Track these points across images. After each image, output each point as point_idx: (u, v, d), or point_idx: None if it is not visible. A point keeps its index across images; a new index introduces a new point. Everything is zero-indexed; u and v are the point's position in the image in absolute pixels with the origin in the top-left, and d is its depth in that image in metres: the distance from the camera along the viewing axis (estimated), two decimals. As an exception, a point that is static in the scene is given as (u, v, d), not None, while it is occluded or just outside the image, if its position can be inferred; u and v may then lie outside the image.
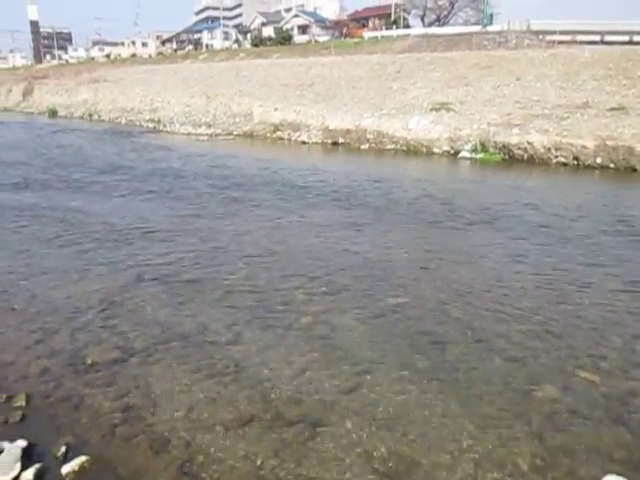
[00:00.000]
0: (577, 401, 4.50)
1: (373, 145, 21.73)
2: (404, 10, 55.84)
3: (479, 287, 6.96)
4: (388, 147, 21.23)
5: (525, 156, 17.55)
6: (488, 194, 12.88)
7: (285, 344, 5.40)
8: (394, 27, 50.88)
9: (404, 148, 20.82)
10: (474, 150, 18.73)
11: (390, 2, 56.13)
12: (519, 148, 17.71)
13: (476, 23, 46.46)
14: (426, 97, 23.39)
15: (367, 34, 47.84)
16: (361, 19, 62.33)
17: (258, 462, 3.78)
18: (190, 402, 4.45)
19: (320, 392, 4.61)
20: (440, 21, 54.73)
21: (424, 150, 20.10)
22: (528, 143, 17.51)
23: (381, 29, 51.95)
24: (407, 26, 52.86)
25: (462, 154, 18.75)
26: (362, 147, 21.74)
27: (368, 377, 4.83)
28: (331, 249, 8.54)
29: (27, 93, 53.68)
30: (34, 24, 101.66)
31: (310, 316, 6.02)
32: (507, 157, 17.96)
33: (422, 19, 56.36)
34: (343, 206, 11.45)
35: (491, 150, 18.40)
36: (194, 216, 10.56)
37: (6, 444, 3.80)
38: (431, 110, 21.93)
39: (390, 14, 55.64)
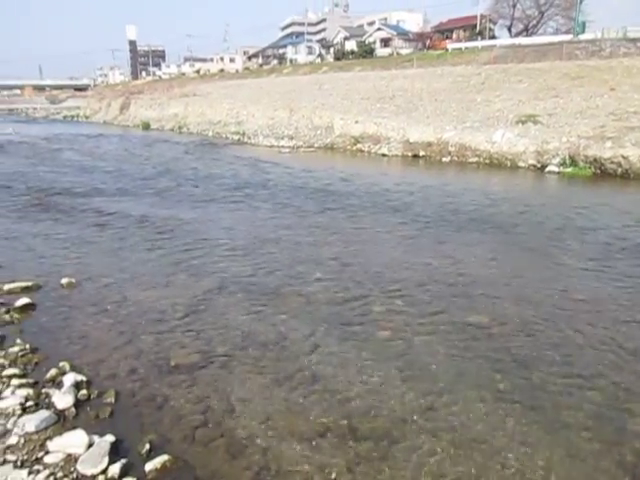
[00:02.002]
0: (677, 437, 4.15)
1: (455, 158, 21.31)
2: (490, 21, 54.52)
3: (568, 308, 6.60)
4: (470, 160, 20.74)
5: (619, 171, 16.53)
6: (579, 210, 12.23)
7: (362, 358, 5.38)
8: (479, 38, 49.83)
9: (487, 161, 20.27)
10: (562, 164, 17.90)
11: (475, 13, 55.08)
12: (612, 162, 16.72)
13: (567, 32, 44.48)
14: (512, 109, 22.66)
15: (450, 46, 47.10)
16: (445, 31, 61.53)
17: (332, 475, 3.77)
18: (267, 410, 4.52)
19: (396, 409, 4.54)
20: (528, 31, 52.85)
21: (508, 164, 19.46)
22: (623, 157, 16.49)
23: (465, 41, 51.04)
24: (493, 37, 51.57)
25: (549, 168, 17.96)
26: (443, 160, 21.38)
27: (446, 396, 4.70)
28: (411, 263, 8.43)
29: (124, 107, 57.32)
30: (132, 43, 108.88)
31: (388, 331, 5.97)
32: (598, 172, 17.01)
33: (509, 29, 54.71)
34: (426, 220, 11.28)
35: (581, 164, 17.50)
36: (280, 227, 10.80)
37: (96, 438, 4.02)
38: (517, 123, 21.21)
39: (475, 25, 54.59)
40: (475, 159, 20.66)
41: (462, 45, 45.73)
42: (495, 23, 56.26)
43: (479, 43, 44.13)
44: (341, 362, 5.30)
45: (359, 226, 10.83)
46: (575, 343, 5.69)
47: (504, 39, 47.62)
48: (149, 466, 3.80)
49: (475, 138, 21.42)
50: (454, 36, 59.03)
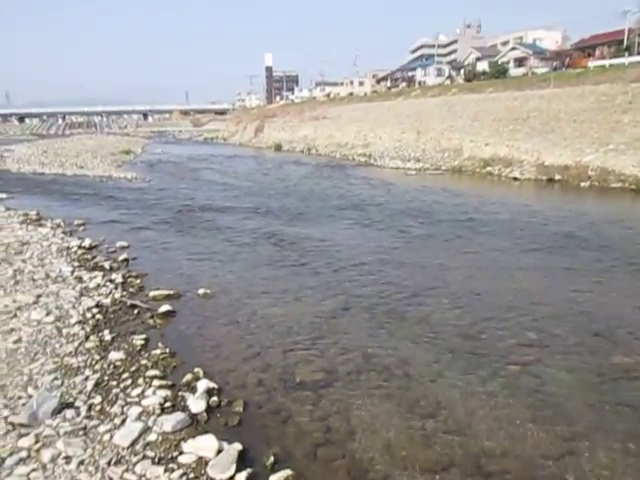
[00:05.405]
0: None
1: (595, 183, 19.80)
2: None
3: None
4: (613, 185, 19.14)
5: None
6: None
7: (489, 391, 5.11)
8: (626, 54, 46.10)
9: (633, 187, 18.56)
10: None
11: (622, 27, 51.11)
12: None
13: None
14: (665, 131, 20.62)
15: (592, 63, 44.07)
16: (586, 48, 57.72)
17: (456, 513, 3.61)
18: (388, 435, 4.45)
19: (526, 450, 4.24)
20: (687, 45, 47.89)
21: (660, 190, 17.67)
22: None
23: (610, 57, 47.48)
24: (643, 52, 47.41)
25: None
26: (581, 185, 19.96)
27: (584, 443, 4.30)
28: (545, 294, 7.92)
29: (258, 130, 60.67)
30: (269, 69, 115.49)
31: (518, 365, 5.63)
32: None
33: (663, 43, 49.98)
34: (566, 250, 10.54)
35: None
36: (407, 250, 10.73)
37: (225, 444, 4.21)
38: (671, 145, 19.24)
39: (622, 40, 50.61)
40: (618, 184, 19.03)
41: (606, 62, 42.63)
42: (646, 37, 51.70)
43: (626, 59, 40.82)
44: (466, 394, 5.09)
45: (487, 252, 10.41)
46: None
47: (657, 54, 43.62)
48: (273, 479, 3.89)
49: (620, 162, 19.77)
50: (597, 53, 55.17)
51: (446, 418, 4.70)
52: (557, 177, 21.45)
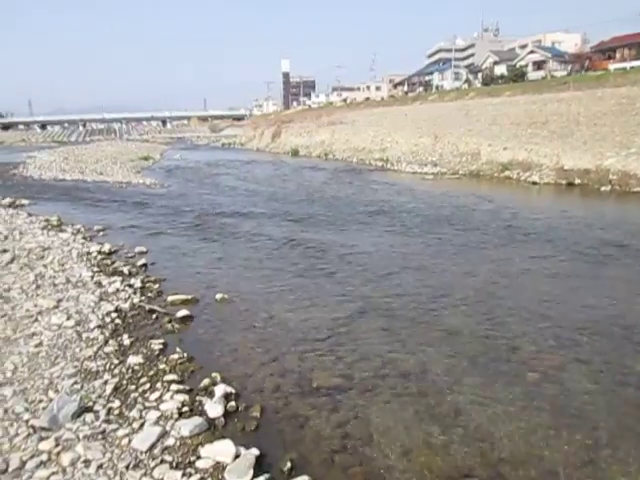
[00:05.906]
0: None
1: (616, 187, 19.48)
2: (662, 36, 49.49)
3: None
4: (635, 190, 18.82)
5: None
6: None
7: (509, 398, 5.05)
8: (648, 56, 45.41)
9: (655, 191, 18.24)
10: None
11: (644, 29, 50.36)
12: None
13: None
14: (688, 133, 20.26)
15: (613, 66, 43.58)
16: (607, 50, 57.01)
17: (475, 522, 3.56)
18: (406, 442, 4.41)
19: (547, 458, 4.17)
20: None
21: (683, 194, 17.34)
22: None
23: (631, 60, 46.82)
24: (665, 54, 46.67)
25: None
26: (602, 189, 19.66)
27: (607, 452, 4.22)
28: (565, 300, 7.80)
29: (275, 135, 60.85)
30: (286, 75, 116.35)
31: (538, 372, 5.55)
32: None
33: (686, 44, 49.15)
34: (585, 255, 10.38)
35: None
36: (424, 255, 10.67)
37: (242, 449, 4.21)
38: (694, 148, 18.87)
39: (644, 42, 49.88)
40: (641, 189, 18.73)
41: (627, 65, 42.07)
42: (669, 39, 50.88)
43: (648, 61, 40.26)
44: (485, 400, 5.03)
45: (508, 258, 10.30)
46: None
47: (679, 56, 42.92)
48: (290, 484, 3.88)
49: (641, 165, 19.44)
50: (617, 55, 54.49)
51: (465, 425, 4.65)
52: (577, 181, 21.15)
